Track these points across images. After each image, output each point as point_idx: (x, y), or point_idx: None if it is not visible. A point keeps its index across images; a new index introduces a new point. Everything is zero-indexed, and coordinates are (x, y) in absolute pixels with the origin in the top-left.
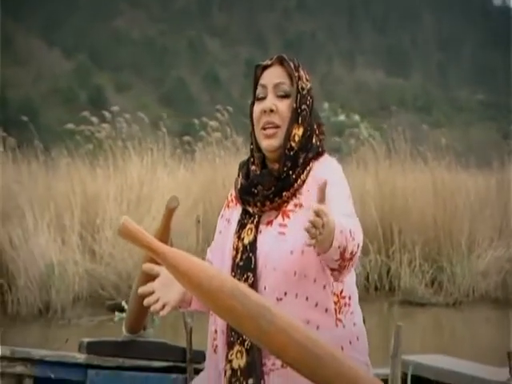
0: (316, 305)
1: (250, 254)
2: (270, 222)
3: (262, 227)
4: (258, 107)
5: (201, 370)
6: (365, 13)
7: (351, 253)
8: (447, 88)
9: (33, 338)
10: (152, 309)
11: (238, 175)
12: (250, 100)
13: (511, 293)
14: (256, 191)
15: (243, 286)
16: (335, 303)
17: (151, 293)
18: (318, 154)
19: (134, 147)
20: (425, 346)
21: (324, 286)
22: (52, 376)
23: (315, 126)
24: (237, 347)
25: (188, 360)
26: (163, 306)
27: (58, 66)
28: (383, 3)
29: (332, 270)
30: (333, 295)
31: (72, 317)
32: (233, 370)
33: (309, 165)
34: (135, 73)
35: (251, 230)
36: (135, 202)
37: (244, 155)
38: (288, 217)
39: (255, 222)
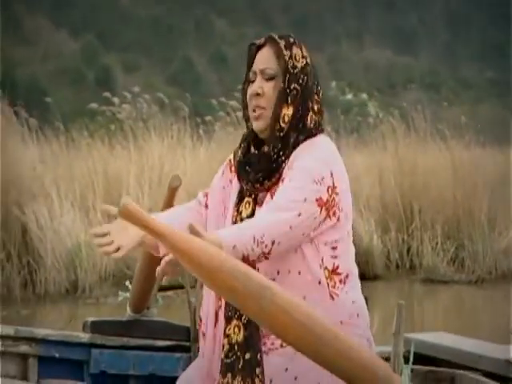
0: (309, 278)
1: None
2: (261, 203)
3: (256, 207)
4: (248, 90)
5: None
6: None
7: (258, 256)
8: (455, 66)
9: (62, 317)
10: (103, 250)
11: (240, 146)
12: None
13: None
14: (250, 170)
15: (244, 266)
16: (327, 278)
17: (105, 234)
18: (312, 135)
19: (155, 127)
20: (447, 324)
21: (314, 260)
22: (56, 355)
23: (311, 105)
24: (234, 322)
25: (192, 339)
26: (117, 249)
27: (65, 47)
28: None
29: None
30: (325, 270)
31: (99, 295)
32: (230, 344)
33: (299, 146)
34: (142, 53)
35: (249, 204)
36: (156, 182)
37: None
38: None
39: (253, 195)
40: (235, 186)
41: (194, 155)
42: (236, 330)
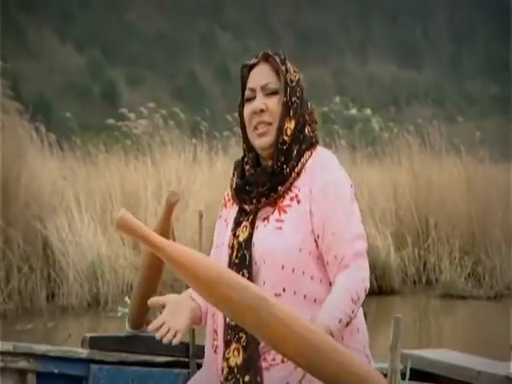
0: (314, 301)
1: (245, 252)
2: (266, 218)
3: (258, 223)
4: (247, 108)
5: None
6: (376, 6)
7: (358, 309)
8: (460, 81)
9: (84, 330)
10: (165, 340)
11: (233, 175)
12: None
13: None
14: (251, 189)
15: (241, 278)
16: None
17: (161, 325)
18: (312, 145)
19: (172, 142)
20: (464, 339)
21: (321, 281)
22: (55, 371)
23: (306, 116)
24: (233, 345)
25: (191, 355)
26: (175, 334)
27: (71, 61)
28: None
29: None
30: (330, 289)
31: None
32: (230, 367)
33: (303, 156)
34: (147, 67)
35: (246, 228)
36: None
37: None
38: (284, 212)
39: (250, 219)
40: (231, 215)
41: (210, 170)
42: (235, 353)
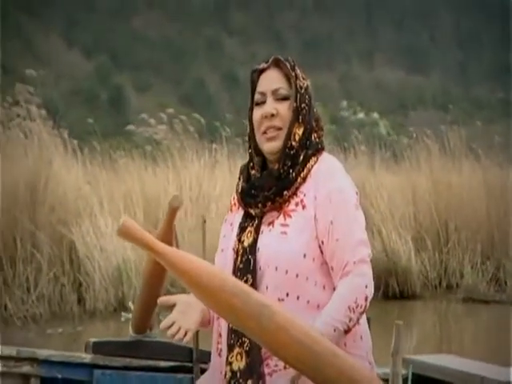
0: (318, 307)
1: (250, 257)
2: (271, 223)
3: (263, 228)
4: (257, 112)
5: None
6: (383, 11)
7: (357, 318)
8: (467, 86)
9: (109, 334)
10: (176, 338)
11: (239, 179)
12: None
13: None
14: (256, 193)
15: (244, 285)
16: None
17: (172, 324)
18: (318, 151)
19: (192, 147)
20: (487, 344)
21: (324, 287)
22: (58, 376)
23: (314, 123)
24: (236, 349)
25: (194, 360)
26: (185, 333)
27: (78, 67)
28: (401, 1)
29: None
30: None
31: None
32: (232, 372)
33: (309, 162)
34: (154, 73)
35: (251, 233)
36: (194, 201)
37: None
38: (290, 216)
39: (255, 224)
40: (237, 219)
41: (230, 174)
42: (238, 357)
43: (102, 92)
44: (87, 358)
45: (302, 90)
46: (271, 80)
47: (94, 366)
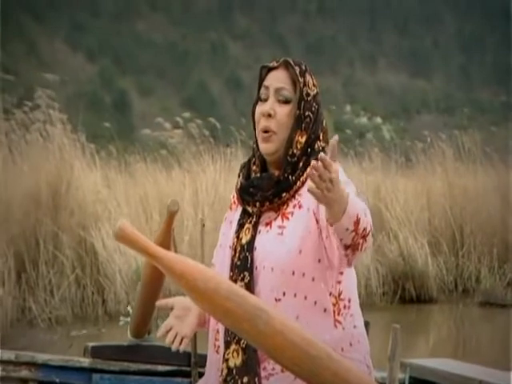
0: (315, 303)
1: (247, 254)
2: (269, 223)
3: (261, 228)
4: (258, 109)
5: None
6: (386, 15)
7: (364, 229)
8: (470, 90)
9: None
10: (173, 347)
11: (239, 176)
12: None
13: None
14: (255, 192)
15: (240, 288)
16: (334, 305)
17: (169, 330)
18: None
19: (208, 151)
20: (507, 348)
21: (322, 286)
22: (57, 380)
23: (320, 134)
24: (233, 346)
25: (192, 364)
26: (181, 340)
27: (82, 71)
28: (404, 5)
29: (346, 247)
30: (331, 296)
31: (164, 315)
32: (229, 368)
33: (309, 167)
34: (158, 76)
35: (249, 230)
36: (210, 205)
37: None
38: (287, 219)
39: (253, 221)
40: (236, 217)
41: None
42: (235, 354)
43: (106, 96)
44: (86, 362)
45: (309, 98)
46: (278, 79)
47: (92, 370)
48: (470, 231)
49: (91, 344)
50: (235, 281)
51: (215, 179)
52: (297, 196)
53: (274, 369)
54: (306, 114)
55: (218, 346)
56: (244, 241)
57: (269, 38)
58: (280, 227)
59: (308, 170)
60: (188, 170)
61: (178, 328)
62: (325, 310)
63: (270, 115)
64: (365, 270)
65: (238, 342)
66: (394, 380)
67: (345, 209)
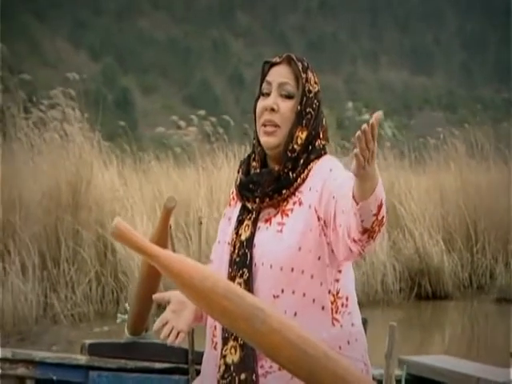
0: (313, 301)
1: (246, 250)
2: (268, 220)
3: (260, 224)
4: (260, 103)
5: None
6: (387, 12)
7: (383, 217)
8: (471, 87)
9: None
10: (169, 341)
11: (238, 172)
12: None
13: None
14: (255, 188)
15: (237, 287)
16: (332, 303)
17: (164, 324)
18: (319, 156)
19: (222, 149)
20: None
21: (321, 283)
22: (54, 378)
23: (320, 131)
24: (231, 343)
25: (190, 361)
26: (177, 335)
27: (85, 69)
28: (406, 3)
29: (363, 232)
30: (329, 294)
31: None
32: (226, 365)
33: (309, 164)
34: (160, 74)
35: (248, 227)
36: (224, 203)
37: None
38: (287, 215)
39: (252, 218)
40: (235, 214)
41: None
42: (232, 350)
43: (109, 94)
44: (82, 359)
45: (310, 94)
46: (281, 74)
47: (89, 368)
48: (483, 227)
49: (88, 341)
50: (234, 277)
51: (229, 177)
52: (297, 193)
53: (271, 367)
54: (308, 110)
55: (216, 343)
56: (243, 237)
57: (270, 36)
58: (279, 224)
59: (309, 167)
60: (202, 168)
61: (174, 322)
62: (323, 308)
63: (273, 109)
64: (381, 266)
65: (235, 339)
66: (391, 377)
67: (374, 189)
